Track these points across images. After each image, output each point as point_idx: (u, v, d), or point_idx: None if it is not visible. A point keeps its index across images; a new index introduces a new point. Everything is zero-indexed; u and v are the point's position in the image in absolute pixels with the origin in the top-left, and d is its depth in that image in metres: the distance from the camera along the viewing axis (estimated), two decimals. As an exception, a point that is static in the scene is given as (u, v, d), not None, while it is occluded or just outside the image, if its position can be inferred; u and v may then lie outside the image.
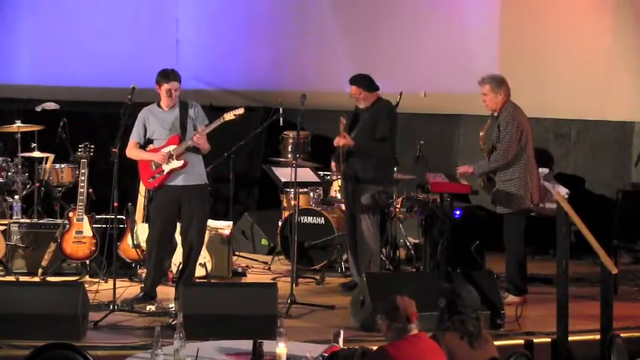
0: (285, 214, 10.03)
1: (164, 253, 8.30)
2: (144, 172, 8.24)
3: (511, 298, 8.29)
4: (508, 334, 7.47)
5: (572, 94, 10.80)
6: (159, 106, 8.19)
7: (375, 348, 5.38)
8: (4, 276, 8.95)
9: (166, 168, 8.09)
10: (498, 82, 8.41)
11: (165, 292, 8.33)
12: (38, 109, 10.73)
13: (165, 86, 8.08)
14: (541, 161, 9.79)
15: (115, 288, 7.87)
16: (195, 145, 8.02)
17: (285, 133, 10.80)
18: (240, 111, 8.15)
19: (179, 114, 8.13)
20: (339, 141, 8.74)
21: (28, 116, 10.28)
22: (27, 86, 11.87)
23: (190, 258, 8.21)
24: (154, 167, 8.14)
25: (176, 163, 8.07)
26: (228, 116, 8.13)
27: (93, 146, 9.17)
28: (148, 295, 8.13)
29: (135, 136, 8.18)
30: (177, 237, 8.39)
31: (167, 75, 8.10)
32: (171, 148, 8.07)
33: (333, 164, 9.00)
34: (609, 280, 7.10)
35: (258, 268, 9.85)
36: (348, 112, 8.96)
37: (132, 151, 8.17)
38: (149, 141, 8.24)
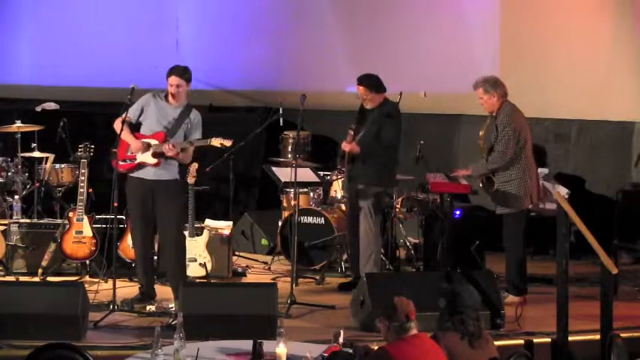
0: (285, 214, 10.02)
1: (150, 249, 8.27)
2: (120, 152, 8.12)
3: (511, 298, 8.29)
4: (508, 334, 7.47)
5: (572, 94, 10.80)
6: (166, 97, 8.16)
7: (375, 348, 5.39)
8: (4, 276, 8.94)
9: (139, 158, 8.06)
10: (492, 84, 8.38)
11: (166, 292, 8.33)
12: (38, 109, 10.74)
13: (168, 80, 8.06)
14: (540, 161, 9.80)
15: (115, 288, 7.86)
16: (167, 155, 7.96)
17: (285, 133, 10.80)
18: (228, 143, 8.11)
19: (179, 115, 8.11)
20: (345, 146, 8.79)
21: (28, 116, 10.28)
22: (27, 86, 11.87)
23: (176, 255, 8.12)
24: (129, 152, 8.09)
25: (149, 160, 8.02)
26: (215, 142, 8.06)
27: (93, 146, 9.16)
28: (147, 294, 8.14)
29: (130, 113, 8.07)
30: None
31: (170, 69, 8.07)
32: (153, 142, 8.03)
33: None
34: (609, 280, 7.09)
35: (258, 268, 9.84)
36: (354, 114, 8.97)
37: (120, 125, 8.04)
38: (138, 125, 8.14)
